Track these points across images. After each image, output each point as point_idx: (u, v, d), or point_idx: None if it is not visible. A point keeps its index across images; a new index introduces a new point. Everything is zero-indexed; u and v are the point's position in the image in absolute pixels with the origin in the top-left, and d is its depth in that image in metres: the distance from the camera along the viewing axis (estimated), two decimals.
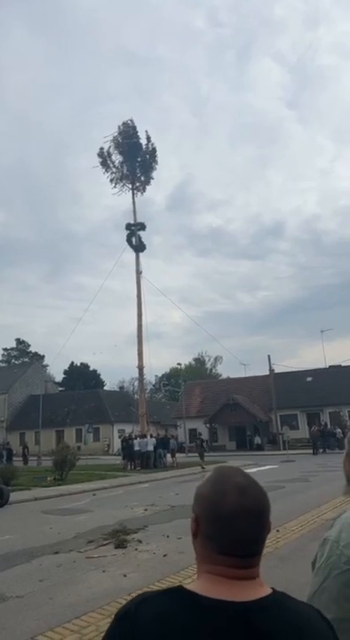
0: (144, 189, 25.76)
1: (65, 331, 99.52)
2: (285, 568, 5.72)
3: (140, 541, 7.65)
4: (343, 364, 39.76)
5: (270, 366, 38.73)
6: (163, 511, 10.30)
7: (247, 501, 0.88)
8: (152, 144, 25.39)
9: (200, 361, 75.78)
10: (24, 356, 69.10)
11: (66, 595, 5.25)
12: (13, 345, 70.41)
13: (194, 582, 0.89)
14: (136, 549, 7.20)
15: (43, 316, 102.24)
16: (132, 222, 26.28)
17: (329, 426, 33.29)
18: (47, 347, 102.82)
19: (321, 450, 28.60)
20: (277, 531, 7.83)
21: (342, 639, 1.01)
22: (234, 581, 0.86)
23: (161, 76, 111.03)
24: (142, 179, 25.68)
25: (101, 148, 25.19)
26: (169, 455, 25.06)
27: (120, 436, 28.04)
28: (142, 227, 26.31)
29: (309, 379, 39.94)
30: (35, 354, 68.00)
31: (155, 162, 25.55)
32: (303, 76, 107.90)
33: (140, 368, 28.42)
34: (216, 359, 75.07)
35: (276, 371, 39.35)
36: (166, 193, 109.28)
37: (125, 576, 5.83)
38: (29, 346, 70.83)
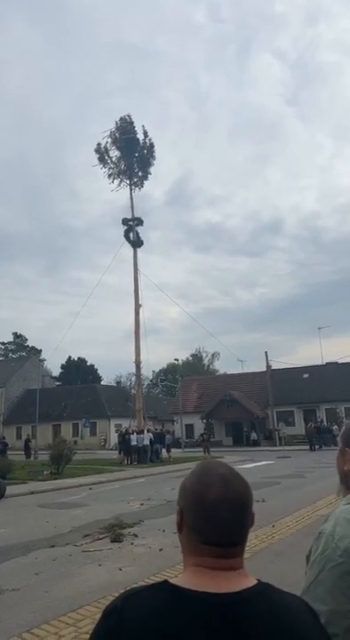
0: (142, 185, 25.90)
1: (62, 325, 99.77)
2: (280, 563, 5.75)
3: (136, 535, 7.68)
4: (340, 361, 39.89)
5: (267, 363, 38.84)
6: (159, 506, 10.34)
7: (230, 492, 0.90)
8: (149, 139, 25.54)
9: (197, 357, 75.93)
10: (21, 350, 69.02)
11: (62, 588, 5.28)
12: (11, 339, 70.38)
13: (180, 576, 0.91)
14: (132, 543, 7.23)
15: (41, 310, 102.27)
16: (130, 217, 26.33)
17: (324, 422, 33.40)
18: (44, 341, 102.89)
19: (317, 446, 28.73)
20: (273, 526, 7.88)
21: (337, 630, 1.02)
22: (218, 572, 0.87)
23: (160, 71, 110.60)
24: (140, 174, 25.65)
25: (99, 144, 25.29)
26: (164, 450, 25.17)
27: (116, 431, 28.11)
28: (139, 222, 26.35)
29: (306, 375, 40.04)
30: (33, 348, 67.97)
31: (153, 157, 25.67)
32: (303, 73, 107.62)
33: (137, 363, 28.58)
34: (213, 355, 75.32)
35: (273, 367, 39.45)
36: (165, 188, 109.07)
37: (121, 570, 5.86)
38: (27, 340, 70.84)
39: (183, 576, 0.90)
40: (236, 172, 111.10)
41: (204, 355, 76.16)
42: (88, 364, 64.88)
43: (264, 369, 39.29)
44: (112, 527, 8.09)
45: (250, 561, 5.59)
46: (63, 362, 64.61)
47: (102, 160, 25.39)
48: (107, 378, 66.26)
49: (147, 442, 24.04)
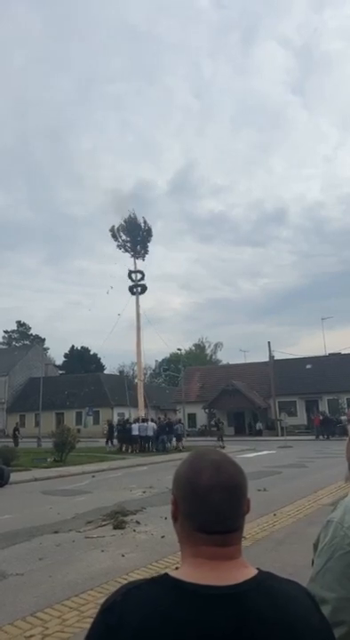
0: (143, 257, 34.95)
1: (65, 314, 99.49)
2: (282, 551, 5.81)
3: (139, 522, 7.76)
4: (343, 352, 39.86)
5: (270, 353, 38.84)
6: (162, 493, 10.43)
7: (222, 477, 0.89)
8: (148, 225, 35.23)
9: (200, 347, 76.00)
10: (25, 339, 69.27)
11: (65, 573, 5.35)
12: (14, 327, 70.63)
13: (179, 569, 0.90)
14: (134, 530, 7.31)
15: (43, 299, 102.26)
16: (133, 271, 33.95)
17: (327, 413, 33.47)
18: (47, 330, 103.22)
19: (323, 437, 28.79)
20: (274, 515, 7.94)
21: (346, 618, 1.03)
22: (216, 563, 0.86)
23: (163, 57, 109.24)
24: (141, 251, 34.63)
25: (113, 226, 35.03)
26: (174, 440, 25.01)
27: (108, 421, 28.48)
28: (143, 288, 33.85)
29: (309, 366, 40.05)
30: (36, 337, 68.19)
31: (150, 238, 35.22)
32: (308, 61, 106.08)
33: (140, 380, 33.50)
34: (216, 345, 75.38)
35: (276, 358, 39.47)
36: (168, 177, 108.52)
37: (123, 556, 5.93)
38: (30, 329, 71.03)
39: (183, 568, 0.89)
40: (240, 161, 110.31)
41: (207, 345, 76.31)
42: (91, 353, 65.12)
43: (266, 359, 39.33)
44: (115, 514, 8.18)
45: (252, 549, 5.65)
46: (66, 351, 64.90)
47: (114, 237, 34.82)
48: (110, 367, 66.58)
49: (150, 432, 24.06)
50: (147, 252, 34.67)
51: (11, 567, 5.59)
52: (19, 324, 70.68)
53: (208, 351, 76.17)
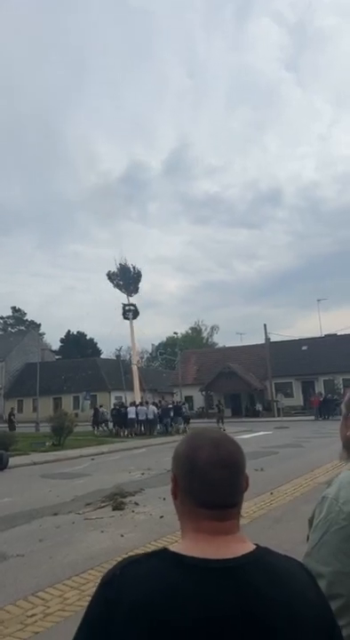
0: (135, 294, 42.99)
1: (60, 299, 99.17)
2: (279, 528, 5.91)
3: (137, 504, 7.86)
4: (339, 333, 40.07)
5: (266, 335, 39.01)
6: (160, 475, 10.55)
7: (221, 453, 0.90)
8: (138, 270, 43.60)
9: (196, 330, 76.10)
10: (20, 324, 69.04)
11: (65, 554, 5.43)
12: (9, 313, 70.33)
13: (179, 543, 0.90)
14: (133, 511, 7.41)
15: (38, 284, 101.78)
16: (127, 304, 41.10)
17: (323, 393, 33.75)
18: (42, 315, 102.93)
19: (322, 417, 29.09)
20: (271, 493, 8.07)
21: (341, 591, 1.04)
22: (216, 537, 0.87)
23: (156, 34, 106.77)
24: (132, 289, 42.86)
25: (109, 271, 43.36)
26: (182, 422, 24.94)
27: (93, 406, 28.75)
28: (136, 312, 41.19)
29: (304, 347, 40.28)
30: (32, 322, 68.02)
31: (140, 279, 43.74)
32: (302, 37, 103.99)
33: (135, 364, 39.71)
34: (212, 328, 75.53)
35: (272, 340, 39.65)
36: (162, 157, 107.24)
37: (123, 536, 6.02)
38: (25, 314, 70.76)
39: (182, 543, 0.90)
40: (234, 141, 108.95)
41: (203, 328, 76.43)
42: (87, 338, 65.09)
43: (263, 341, 39.48)
44: (113, 496, 8.27)
45: (250, 526, 5.74)
46: (62, 336, 64.85)
47: (110, 279, 43.19)
48: (107, 351, 66.69)
49: (150, 415, 24.08)
50: (137, 290, 43.71)
51: (12, 549, 5.66)
52: (15, 309, 70.39)
53: (204, 334, 76.37)
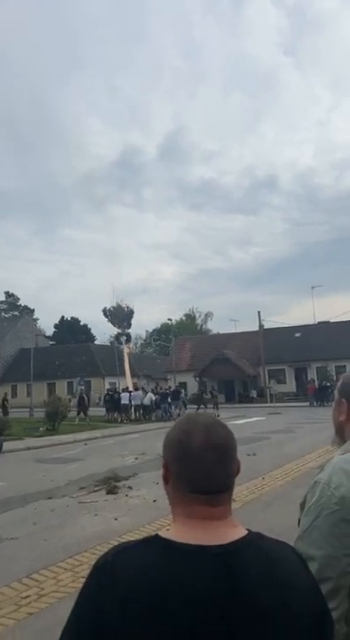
0: (128, 329, 50.76)
1: (54, 285, 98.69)
2: (270, 512, 6.01)
3: (131, 488, 7.94)
4: (332, 321, 40.25)
5: (260, 322, 39.11)
6: (153, 459, 10.64)
7: (213, 438, 0.91)
8: (130, 309, 51.39)
9: (191, 317, 76.09)
10: (14, 310, 68.67)
11: (59, 537, 5.49)
12: (3, 298, 69.86)
13: (170, 529, 0.91)
14: (127, 495, 7.49)
15: (32, 269, 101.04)
16: (121, 333, 48.40)
17: (315, 380, 34.02)
18: (36, 300, 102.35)
19: (317, 404, 29.36)
20: (262, 478, 8.17)
21: (331, 574, 1.06)
22: (208, 522, 0.87)
23: (151, 15, 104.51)
24: (125, 324, 52.16)
25: (104, 307, 51.01)
26: (182, 407, 25.08)
27: (77, 392, 28.40)
28: (128, 335, 48.87)
29: (298, 334, 40.44)
30: (25, 307, 67.66)
31: (132, 316, 51.13)
32: (300, 21, 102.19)
33: (127, 351, 39.26)
34: (206, 315, 75.58)
35: (266, 327, 39.77)
36: (157, 142, 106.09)
37: (117, 519, 6.09)
38: (19, 299, 70.34)
39: (174, 529, 0.90)
40: (231, 126, 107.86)
41: (198, 315, 76.47)
42: (81, 323, 64.92)
43: (257, 328, 39.60)
44: (107, 480, 8.35)
45: (241, 511, 5.82)
46: (56, 321, 64.63)
47: (105, 315, 50.74)
48: (101, 337, 66.65)
49: (147, 401, 24.12)
50: (130, 325, 53.47)
51: (6, 532, 5.71)
52: (8, 294, 69.93)
53: (198, 321, 76.44)
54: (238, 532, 0.88)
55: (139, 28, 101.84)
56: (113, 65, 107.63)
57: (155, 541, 0.87)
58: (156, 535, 0.88)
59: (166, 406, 24.42)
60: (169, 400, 24.93)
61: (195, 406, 27.67)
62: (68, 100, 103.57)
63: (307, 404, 30.15)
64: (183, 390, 28.75)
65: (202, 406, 27.51)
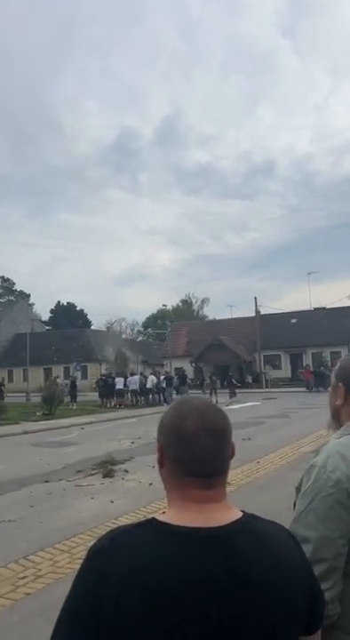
0: None
1: (49, 269, 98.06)
2: (264, 496, 6.07)
3: (127, 471, 8.01)
4: (328, 307, 40.35)
5: (256, 308, 39.14)
6: (150, 443, 10.72)
7: (207, 421, 0.91)
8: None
9: (187, 303, 76.02)
10: (9, 295, 68.32)
11: (56, 519, 5.54)
12: None
13: (166, 512, 0.91)
14: (123, 478, 7.56)
15: (27, 254, 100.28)
16: None
17: (310, 366, 34.21)
18: (32, 285, 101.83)
19: (315, 389, 29.55)
20: (257, 462, 8.26)
21: (327, 555, 1.08)
22: (203, 505, 0.88)
23: None
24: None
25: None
26: (187, 393, 24.78)
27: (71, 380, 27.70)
28: None
29: (294, 320, 40.55)
30: (21, 292, 67.32)
31: None
32: (300, 2, 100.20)
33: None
34: (203, 301, 75.51)
35: (262, 313, 39.82)
36: (154, 125, 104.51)
37: (113, 502, 6.15)
38: (14, 284, 69.95)
39: (169, 512, 0.90)
40: (228, 110, 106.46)
41: (194, 301, 76.40)
42: (77, 309, 64.75)
43: (253, 314, 39.65)
44: (104, 464, 8.41)
45: (236, 494, 5.89)
46: (52, 306, 64.44)
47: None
48: (97, 323, 66.56)
49: (149, 384, 23.89)
50: None
51: (3, 514, 5.76)
52: (3, 279, 69.47)
53: (194, 307, 76.40)
54: (233, 515, 0.89)
55: (134, 9, 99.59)
56: (107, 45, 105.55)
57: (150, 525, 0.87)
58: (152, 518, 0.89)
59: (171, 390, 24.07)
60: (173, 383, 24.66)
61: (192, 391, 27.81)
62: (63, 83, 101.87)
63: (303, 389, 30.35)
64: (188, 375, 28.52)
65: (208, 392, 27.54)
